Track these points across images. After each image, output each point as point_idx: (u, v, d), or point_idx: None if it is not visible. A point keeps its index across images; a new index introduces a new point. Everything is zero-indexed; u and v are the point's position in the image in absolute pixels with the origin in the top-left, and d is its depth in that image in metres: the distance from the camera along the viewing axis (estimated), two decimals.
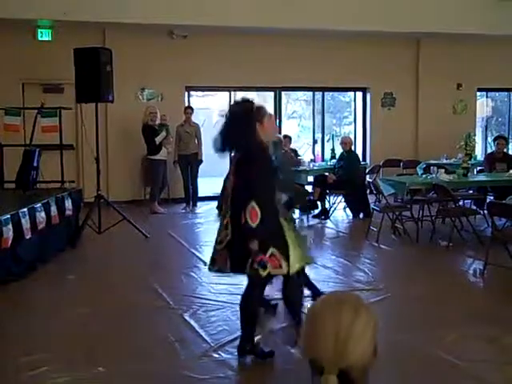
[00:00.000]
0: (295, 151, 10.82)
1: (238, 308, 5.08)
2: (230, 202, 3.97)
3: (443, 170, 8.69)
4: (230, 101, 12.32)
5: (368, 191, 9.79)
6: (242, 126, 3.98)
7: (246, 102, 4.11)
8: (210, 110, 16.30)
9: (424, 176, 8.87)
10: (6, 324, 4.91)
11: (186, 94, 11.97)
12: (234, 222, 3.89)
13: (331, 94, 15.19)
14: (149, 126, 10.35)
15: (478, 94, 13.40)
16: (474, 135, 11.67)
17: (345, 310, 1.56)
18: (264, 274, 3.85)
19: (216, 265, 4.07)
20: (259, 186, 3.83)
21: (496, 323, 4.79)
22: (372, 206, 9.13)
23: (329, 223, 9.53)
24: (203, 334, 4.60)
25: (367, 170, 11.27)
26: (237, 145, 4.08)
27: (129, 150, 11.16)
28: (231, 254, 3.94)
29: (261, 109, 4.07)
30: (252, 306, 4.14)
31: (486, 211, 8.04)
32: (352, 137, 12.07)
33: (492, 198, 8.84)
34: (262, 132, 4.00)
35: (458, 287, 5.98)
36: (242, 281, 5.25)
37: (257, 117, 4.01)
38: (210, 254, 4.13)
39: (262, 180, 3.86)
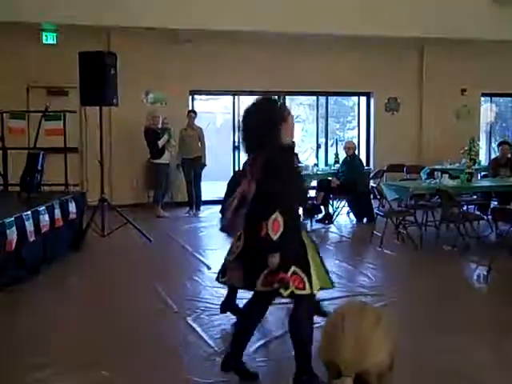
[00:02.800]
0: None
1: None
2: (247, 211, 3.66)
3: (447, 175, 8.68)
4: (234, 105, 12.36)
5: (372, 196, 9.79)
6: (268, 126, 3.63)
7: (273, 102, 3.84)
8: (213, 113, 16.35)
9: (428, 181, 8.87)
10: (10, 326, 4.92)
11: (190, 97, 12.00)
12: (249, 234, 3.60)
13: (335, 98, 15.20)
14: (151, 130, 10.38)
15: (483, 99, 13.39)
16: (478, 140, 11.69)
17: (367, 318, 1.57)
18: (286, 293, 3.53)
19: (226, 277, 3.87)
20: (284, 196, 3.50)
21: (499, 329, 4.79)
22: (375, 210, 9.13)
23: (332, 228, 9.52)
24: (206, 337, 4.60)
25: (371, 175, 11.26)
26: (261, 145, 3.67)
27: (133, 154, 11.17)
28: (244, 269, 3.65)
29: (285, 108, 3.82)
30: (251, 323, 3.89)
31: (489, 216, 8.02)
32: (356, 141, 12.08)
33: (496, 203, 8.83)
34: (284, 132, 3.69)
35: (461, 292, 5.97)
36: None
37: (282, 116, 3.71)
38: (221, 265, 3.97)
39: (288, 188, 3.54)
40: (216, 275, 4.09)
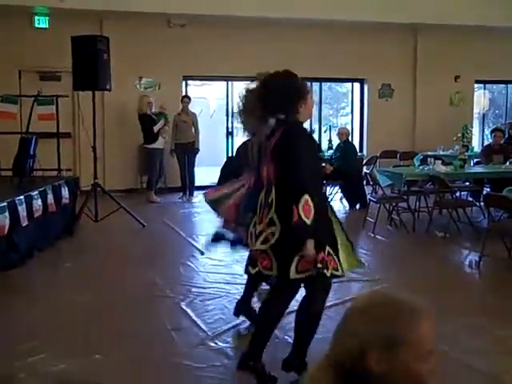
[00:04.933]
0: None
1: (234, 297, 5.13)
2: (276, 194, 3.34)
3: (440, 162, 8.70)
4: (228, 90, 12.32)
5: (365, 182, 9.81)
6: (287, 101, 3.36)
7: (294, 78, 3.47)
8: (207, 99, 16.30)
9: (421, 167, 8.89)
10: (2, 311, 4.91)
11: (184, 83, 11.95)
12: (282, 217, 3.27)
13: (328, 84, 15.17)
14: (146, 115, 10.34)
15: (476, 86, 13.40)
16: (471, 127, 11.72)
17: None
18: (328, 273, 3.28)
19: (258, 266, 3.41)
20: (309, 176, 3.24)
21: (490, 314, 4.81)
22: (369, 196, 9.14)
23: None
24: (200, 322, 4.61)
25: (364, 161, 11.27)
26: (281, 120, 3.41)
27: (126, 139, 11.14)
28: (277, 255, 3.32)
29: (306, 84, 3.50)
30: (273, 320, 3.53)
31: (482, 203, 8.06)
32: (349, 128, 12.07)
33: (488, 189, 8.87)
34: (303, 111, 3.43)
35: (453, 278, 6.01)
36: (238, 270, 5.29)
37: (302, 93, 3.43)
38: (248, 256, 3.59)
39: (311, 167, 3.29)
40: (244, 268, 3.63)
